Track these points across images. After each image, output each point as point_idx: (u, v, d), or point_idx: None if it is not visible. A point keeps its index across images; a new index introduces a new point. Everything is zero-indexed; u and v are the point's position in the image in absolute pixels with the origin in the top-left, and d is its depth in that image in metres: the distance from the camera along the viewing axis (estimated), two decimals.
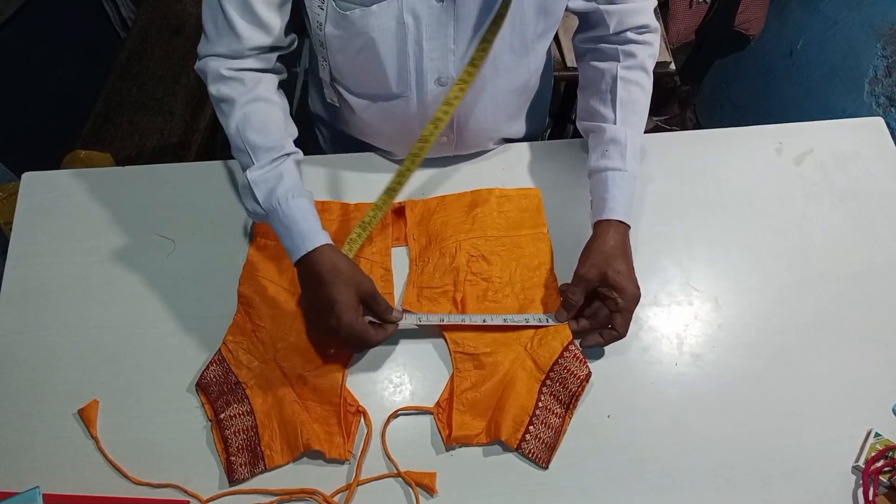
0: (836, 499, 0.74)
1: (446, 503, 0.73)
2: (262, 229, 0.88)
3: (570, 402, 0.77)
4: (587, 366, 0.79)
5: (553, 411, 0.76)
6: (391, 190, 0.83)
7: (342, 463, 0.74)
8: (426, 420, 0.77)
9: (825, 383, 0.81)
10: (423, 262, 0.85)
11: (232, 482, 0.73)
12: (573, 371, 0.78)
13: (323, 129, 1.06)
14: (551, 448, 0.75)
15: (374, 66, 0.81)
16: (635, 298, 0.77)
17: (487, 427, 0.75)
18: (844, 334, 0.84)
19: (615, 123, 0.84)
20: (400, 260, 0.88)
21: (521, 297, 0.84)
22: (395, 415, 0.77)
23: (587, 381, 0.78)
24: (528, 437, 0.74)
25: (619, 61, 0.85)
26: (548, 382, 0.78)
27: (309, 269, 0.74)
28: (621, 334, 0.78)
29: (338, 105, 0.91)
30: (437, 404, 0.78)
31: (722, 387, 0.80)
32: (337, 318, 0.72)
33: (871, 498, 0.72)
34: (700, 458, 0.76)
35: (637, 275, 0.87)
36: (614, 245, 0.78)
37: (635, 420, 0.78)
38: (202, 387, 0.78)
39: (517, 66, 0.86)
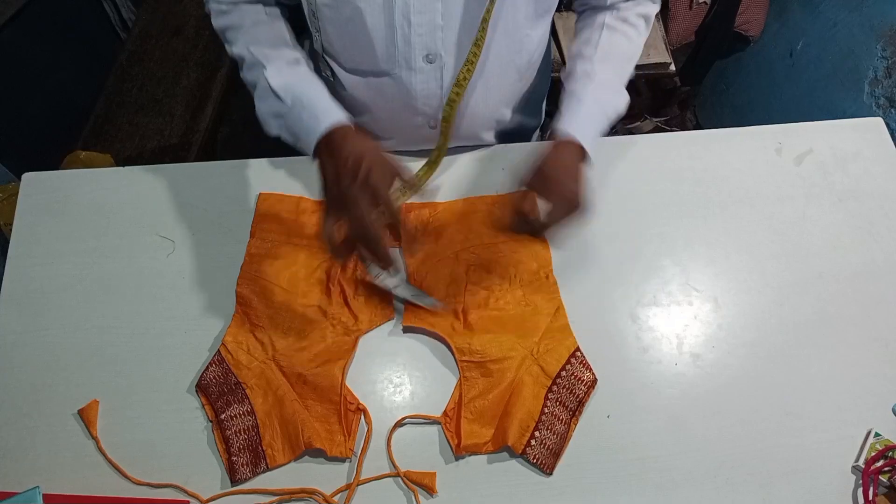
0: (836, 499, 0.74)
1: (446, 503, 0.73)
2: (260, 229, 0.88)
3: (576, 408, 0.77)
4: (592, 371, 0.79)
5: (559, 417, 0.76)
6: (432, 163, 0.92)
7: (343, 461, 0.74)
8: (428, 423, 0.77)
9: (825, 383, 0.81)
10: (420, 277, 0.85)
11: (234, 482, 0.73)
12: (580, 377, 0.78)
13: None
14: (556, 454, 0.75)
15: (361, 37, 0.81)
16: (569, 193, 0.74)
17: (495, 435, 0.75)
18: (844, 334, 0.84)
19: (592, 62, 0.84)
20: (398, 262, 0.88)
21: (523, 302, 0.84)
22: (400, 423, 0.77)
23: (593, 388, 0.78)
24: (533, 442, 0.74)
25: (609, 13, 0.86)
26: (554, 388, 0.78)
27: (336, 138, 0.72)
28: (549, 222, 0.74)
29: (332, 80, 0.91)
30: (445, 413, 0.77)
31: (722, 387, 0.80)
32: (367, 168, 0.67)
33: (871, 498, 0.72)
34: (700, 458, 0.76)
35: (637, 275, 0.87)
36: (557, 153, 0.77)
37: (635, 420, 0.78)
38: (202, 388, 0.78)
39: (510, 51, 0.86)
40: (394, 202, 0.68)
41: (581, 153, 0.79)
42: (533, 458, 0.74)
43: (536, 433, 0.74)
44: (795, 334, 0.84)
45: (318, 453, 0.74)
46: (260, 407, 0.76)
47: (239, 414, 0.76)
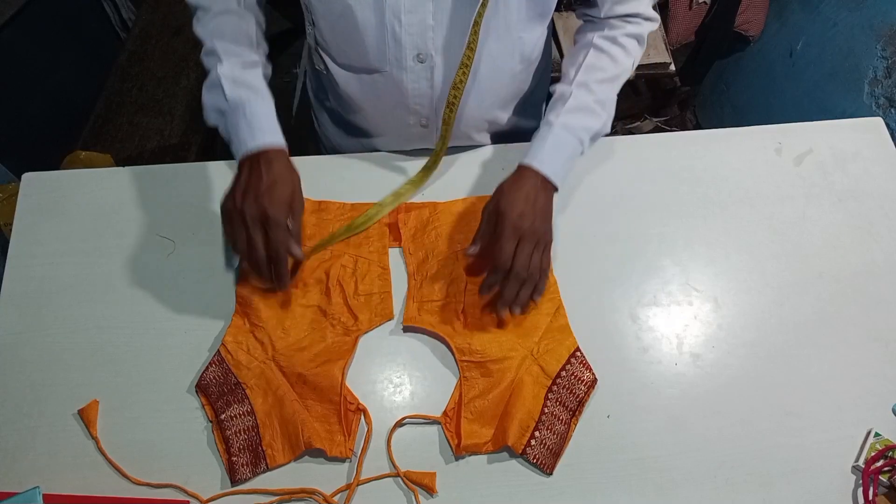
0: (836, 499, 0.74)
1: (446, 503, 0.73)
2: None
3: (576, 408, 0.77)
4: (592, 371, 0.79)
5: (559, 417, 0.76)
6: (428, 168, 0.92)
7: (343, 461, 0.74)
8: (428, 423, 0.77)
9: (825, 383, 0.81)
10: (421, 277, 0.85)
11: (234, 482, 0.73)
12: (579, 377, 0.78)
13: (319, 118, 1.07)
14: (556, 454, 0.74)
15: (353, 34, 0.81)
16: (515, 222, 0.77)
17: (495, 435, 0.75)
18: (844, 334, 0.84)
19: (571, 84, 0.85)
20: (398, 262, 0.87)
21: None
22: (400, 423, 0.77)
23: (593, 388, 0.78)
24: (533, 442, 0.74)
25: (600, 31, 0.87)
26: (554, 388, 0.78)
27: (262, 159, 0.75)
28: (500, 261, 0.76)
29: (325, 73, 0.92)
30: (445, 413, 0.77)
31: (722, 387, 0.80)
32: (269, 196, 0.72)
33: (871, 498, 0.72)
34: (700, 458, 0.76)
35: (637, 275, 0.87)
36: (512, 181, 0.81)
37: (635, 420, 0.78)
38: (202, 388, 0.78)
39: (503, 54, 0.86)
40: (285, 234, 0.73)
41: (543, 181, 0.80)
42: (533, 458, 0.74)
43: (536, 433, 0.74)
44: (795, 334, 0.84)
45: (318, 453, 0.74)
46: (260, 407, 0.76)
47: (239, 414, 0.76)
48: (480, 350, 0.79)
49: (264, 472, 0.74)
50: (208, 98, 0.82)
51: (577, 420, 0.77)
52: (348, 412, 0.76)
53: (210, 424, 0.76)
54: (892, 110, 1.34)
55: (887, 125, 1.02)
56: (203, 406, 0.78)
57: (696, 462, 0.76)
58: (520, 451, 0.74)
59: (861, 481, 0.74)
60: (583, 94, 0.84)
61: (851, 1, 1.46)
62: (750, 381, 0.81)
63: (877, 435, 0.76)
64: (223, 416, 0.75)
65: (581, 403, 0.77)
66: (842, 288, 0.88)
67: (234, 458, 0.73)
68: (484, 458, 0.75)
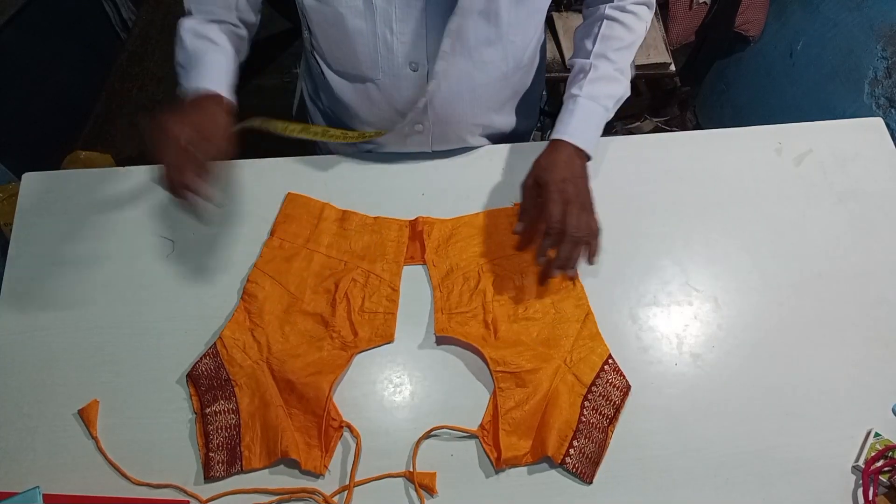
0: (835, 499, 0.74)
1: (446, 503, 0.73)
2: (281, 230, 0.88)
3: (613, 415, 0.76)
4: (625, 378, 0.79)
5: (596, 426, 0.76)
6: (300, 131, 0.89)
7: (343, 462, 0.74)
8: (428, 423, 0.77)
9: (825, 383, 0.81)
10: (447, 289, 0.85)
11: (207, 478, 0.73)
12: (614, 383, 0.78)
13: (314, 121, 1.07)
14: (595, 463, 0.74)
15: (345, 42, 0.82)
16: (559, 187, 0.78)
17: (534, 445, 0.75)
18: (844, 334, 0.84)
19: (589, 57, 0.87)
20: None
21: (552, 310, 0.83)
22: (429, 433, 0.76)
23: (628, 394, 0.78)
24: (572, 451, 0.73)
25: (609, 3, 0.88)
26: (589, 397, 0.77)
27: (199, 97, 0.77)
28: (553, 224, 0.77)
29: (322, 77, 0.92)
30: (481, 426, 0.76)
31: (722, 387, 0.80)
32: (178, 116, 0.73)
33: (871, 498, 0.72)
34: (700, 458, 0.76)
35: (637, 275, 0.87)
36: (547, 154, 0.82)
37: (635, 420, 0.78)
38: (193, 378, 0.77)
39: (494, 59, 0.87)
40: (166, 146, 0.72)
41: (576, 151, 0.82)
42: (572, 468, 0.73)
43: (575, 442, 0.74)
44: (795, 334, 0.84)
45: (293, 463, 0.73)
46: (245, 407, 0.76)
47: (224, 410, 0.75)
48: (514, 360, 0.78)
49: (238, 473, 0.73)
50: (177, 51, 0.82)
51: (613, 427, 0.76)
52: (329, 428, 0.75)
53: (195, 416, 0.76)
54: (893, 110, 1.34)
55: (887, 125, 1.02)
56: (190, 396, 0.77)
57: (696, 462, 0.76)
58: (559, 462, 0.73)
59: (861, 481, 0.74)
60: (603, 65, 0.86)
61: (851, 1, 1.46)
62: (750, 381, 0.81)
63: (877, 435, 0.76)
64: (208, 411, 0.75)
65: (617, 410, 0.77)
66: (842, 288, 0.88)
67: (212, 454, 0.73)
68: (484, 458, 0.75)
